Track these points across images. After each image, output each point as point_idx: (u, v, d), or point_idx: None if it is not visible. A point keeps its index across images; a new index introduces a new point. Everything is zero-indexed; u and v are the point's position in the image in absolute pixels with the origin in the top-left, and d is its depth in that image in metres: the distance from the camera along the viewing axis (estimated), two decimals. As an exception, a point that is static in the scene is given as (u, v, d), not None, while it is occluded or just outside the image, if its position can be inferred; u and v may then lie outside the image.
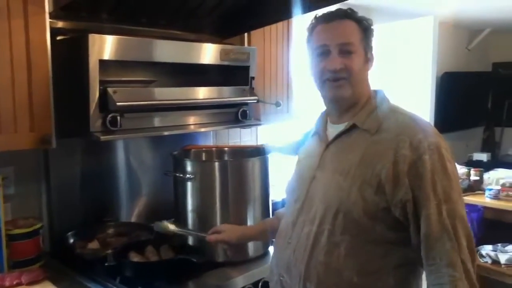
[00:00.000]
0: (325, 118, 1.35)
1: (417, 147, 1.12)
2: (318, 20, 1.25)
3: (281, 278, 1.28)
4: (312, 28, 1.26)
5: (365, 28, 1.24)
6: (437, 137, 1.16)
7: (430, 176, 1.10)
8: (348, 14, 1.23)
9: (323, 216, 1.19)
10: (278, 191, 2.13)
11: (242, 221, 1.77)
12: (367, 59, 1.25)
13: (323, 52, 1.22)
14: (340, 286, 1.16)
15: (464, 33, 4.59)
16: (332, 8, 1.32)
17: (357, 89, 1.23)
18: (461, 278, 1.07)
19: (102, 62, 1.49)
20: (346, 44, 1.20)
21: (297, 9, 1.76)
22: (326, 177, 1.23)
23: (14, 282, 1.48)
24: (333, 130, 1.29)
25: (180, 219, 1.79)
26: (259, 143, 2.54)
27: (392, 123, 1.20)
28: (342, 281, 1.16)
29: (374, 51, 1.28)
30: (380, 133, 1.19)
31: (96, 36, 1.47)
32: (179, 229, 1.64)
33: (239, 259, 1.75)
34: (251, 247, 1.80)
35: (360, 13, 1.26)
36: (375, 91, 1.30)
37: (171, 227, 1.63)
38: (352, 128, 1.24)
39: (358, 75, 1.22)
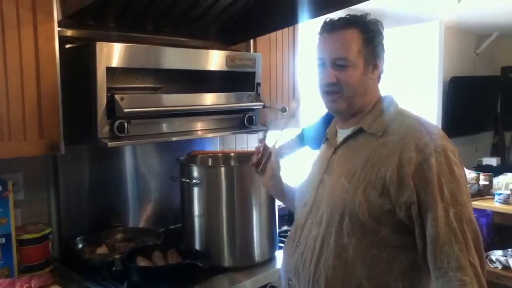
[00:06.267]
0: (335, 124, 1.37)
1: (423, 149, 1.11)
2: (322, 29, 1.25)
3: (289, 282, 1.28)
4: (318, 37, 1.26)
5: (369, 36, 1.21)
6: (443, 140, 1.15)
7: (437, 179, 1.09)
8: (352, 22, 1.21)
9: (329, 219, 1.20)
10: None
11: (248, 226, 1.78)
12: (372, 68, 1.22)
13: (320, 64, 1.24)
14: None
15: (472, 38, 4.58)
16: (340, 13, 1.30)
17: (356, 100, 1.23)
18: (471, 282, 1.05)
19: (110, 70, 1.52)
20: (339, 59, 1.19)
21: (302, 16, 1.78)
22: (333, 180, 1.24)
23: (24, 287, 1.50)
24: (341, 134, 1.31)
25: (187, 224, 1.81)
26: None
27: (398, 126, 1.19)
28: (351, 285, 1.16)
29: (384, 55, 1.25)
30: (386, 136, 1.19)
31: (104, 44, 1.50)
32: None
33: (246, 263, 1.76)
34: (257, 252, 1.80)
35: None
36: (384, 97, 1.29)
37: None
38: (359, 132, 1.24)
39: (355, 88, 1.21)
